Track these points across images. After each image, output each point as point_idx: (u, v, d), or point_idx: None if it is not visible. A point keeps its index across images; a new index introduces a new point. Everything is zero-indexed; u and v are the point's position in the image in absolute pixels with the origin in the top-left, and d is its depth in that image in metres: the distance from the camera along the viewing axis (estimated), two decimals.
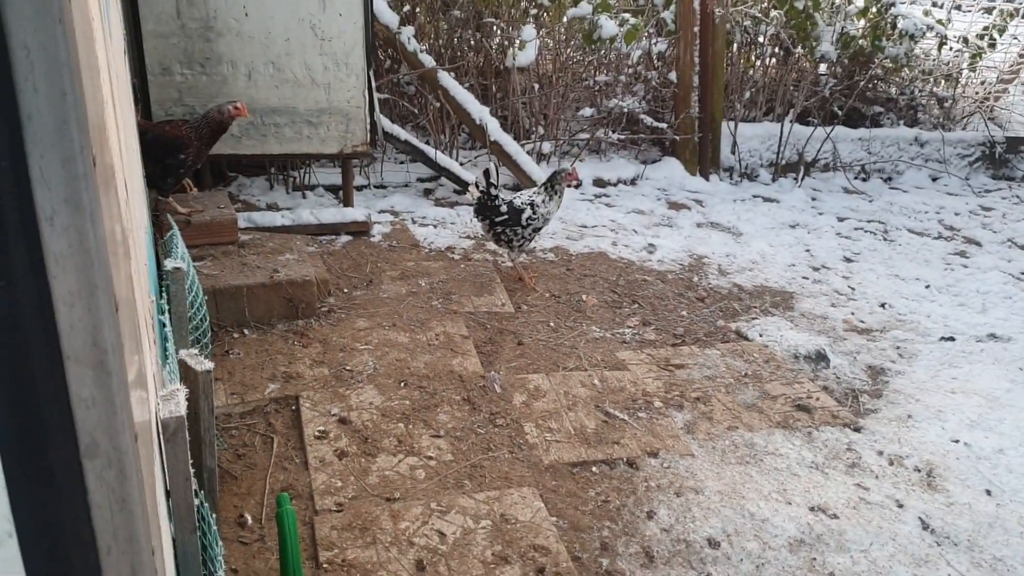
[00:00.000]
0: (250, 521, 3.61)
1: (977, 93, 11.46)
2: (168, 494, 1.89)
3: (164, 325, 3.12)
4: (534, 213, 5.91)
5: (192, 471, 2.50)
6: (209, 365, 2.35)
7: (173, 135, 5.18)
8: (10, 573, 1.05)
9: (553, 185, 6.01)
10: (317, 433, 4.13)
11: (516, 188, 8.24)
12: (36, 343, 1.00)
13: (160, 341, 2.97)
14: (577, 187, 6.45)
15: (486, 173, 5.91)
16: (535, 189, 6.16)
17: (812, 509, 3.93)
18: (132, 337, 1.52)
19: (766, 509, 3.90)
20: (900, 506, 4.01)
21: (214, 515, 2.32)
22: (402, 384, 4.62)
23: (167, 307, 3.29)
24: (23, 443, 1.02)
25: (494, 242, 6.15)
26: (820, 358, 5.36)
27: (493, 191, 5.91)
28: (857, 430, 4.61)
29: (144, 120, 5.49)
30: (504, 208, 5.91)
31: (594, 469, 4.10)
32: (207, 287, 4.90)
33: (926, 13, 9.72)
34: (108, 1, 2.31)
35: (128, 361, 1.29)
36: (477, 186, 5.97)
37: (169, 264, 3.31)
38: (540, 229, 6.03)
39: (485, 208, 5.95)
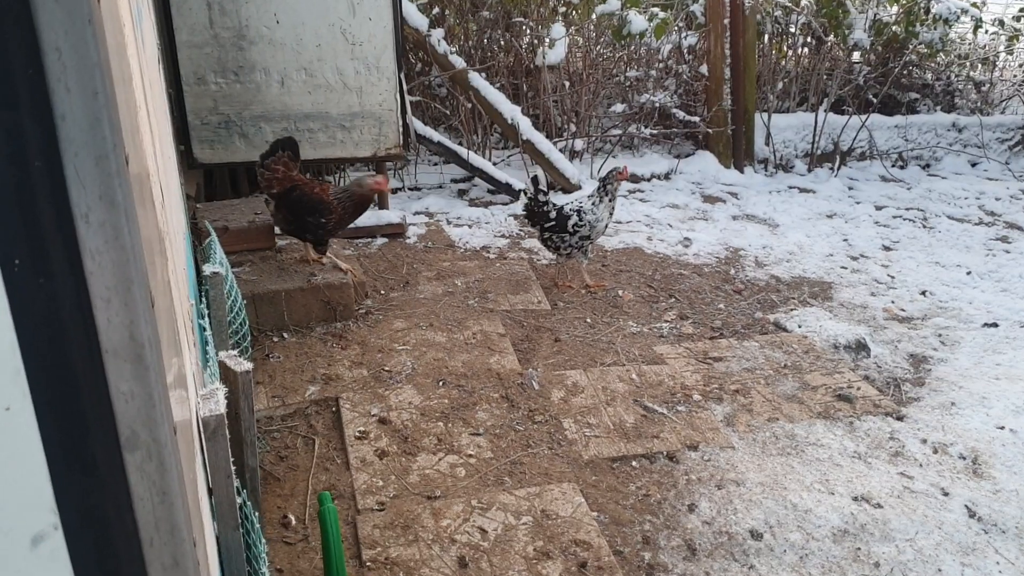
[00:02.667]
0: (294, 522, 3.65)
1: (1015, 76, 11.29)
2: (211, 492, 1.92)
3: (204, 329, 3.16)
4: (580, 220, 5.80)
5: (235, 471, 2.53)
6: (248, 365, 2.39)
7: (318, 199, 5.14)
8: (57, 564, 1.08)
9: (605, 187, 5.88)
10: (357, 434, 4.16)
11: (550, 186, 8.25)
12: (75, 338, 1.02)
13: (200, 344, 3.02)
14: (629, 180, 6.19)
15: (535, 180, 5.87)
16: (588, 193, 6.06)
17: (855, 499, 3.89)
18: (170, 336, 1.55)
19: (809, 500, 3.86)
20: (945, 494, 3.96)
21: (257, 514, 2.35)
22: (440, 383, 4.64)
23: (207, 311, 3.34)
24: (65, 436, 1.04)
25: (547, 248, 6.04)
26: (860, 347, 5.31)
27: (541, 197, 5.85)
28: (900, 419, 4.56)
29: (299, 175, 5.34)
30: (553, 214, 5.84)
31: (634, 463, 4.10)
32: (246, 292, 4.96)
33: None
34: (141, 12, 2.35)
35: (167, 358, 1.32)
36: (526, 193, 5.92)
37: (208, 269, 3.36)
38: (590, 236, 5.86)
39: (534, 214, 5.88)
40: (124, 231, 1.02)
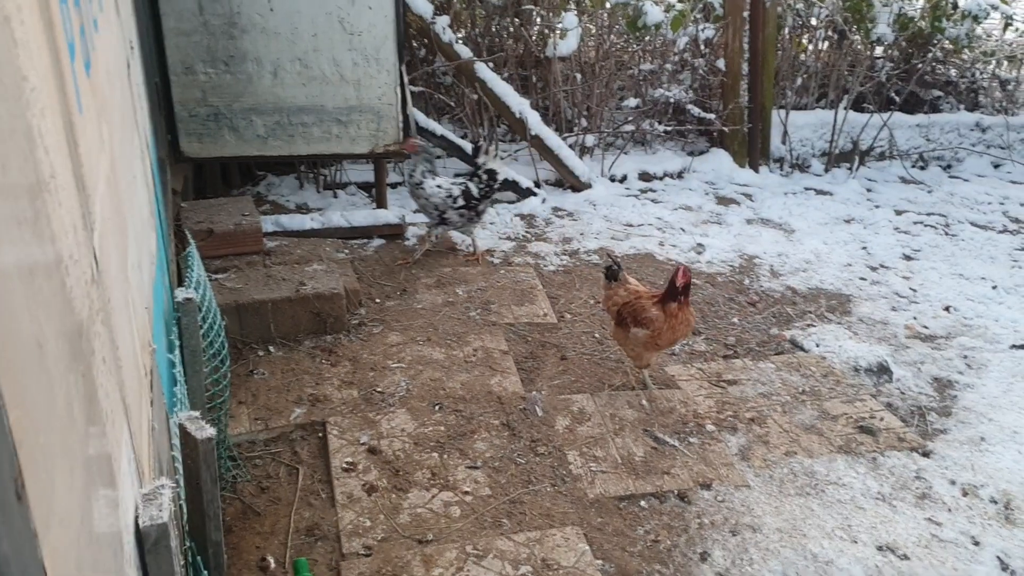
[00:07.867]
0: (272, 565, 3.35)
1: None
2: None
3: (174, 365, 2.86)
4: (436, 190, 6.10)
5: (195, 547, 2.24)
6: (210, 432, 2.08)
7: None
8: None
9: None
10: (345, 465, 3.87)
11: (558, 184, 7.93)
12: None
13: (167, 384, 2.72)
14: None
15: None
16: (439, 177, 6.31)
17: (880, 548, 3.60)
18: (96, 431, 1.26)
19: (830, 549, 3.57)
20: (976, 543, 3.66)
21: None
22: (436, 408, 4.34)
23: (178, 342, 3.04)
24: None
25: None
26: (882, 371, 5.00)
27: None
28: (926, 455, 4.26)
29: None
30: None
31: (643, 503, 3.80)
32: (230, 302, 4.65)
33: None
34: (91, 24, 2.03)
35: (83, 476, 1.02)
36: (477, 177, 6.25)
37: (180, 295, 3.05)
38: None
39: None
40: None
